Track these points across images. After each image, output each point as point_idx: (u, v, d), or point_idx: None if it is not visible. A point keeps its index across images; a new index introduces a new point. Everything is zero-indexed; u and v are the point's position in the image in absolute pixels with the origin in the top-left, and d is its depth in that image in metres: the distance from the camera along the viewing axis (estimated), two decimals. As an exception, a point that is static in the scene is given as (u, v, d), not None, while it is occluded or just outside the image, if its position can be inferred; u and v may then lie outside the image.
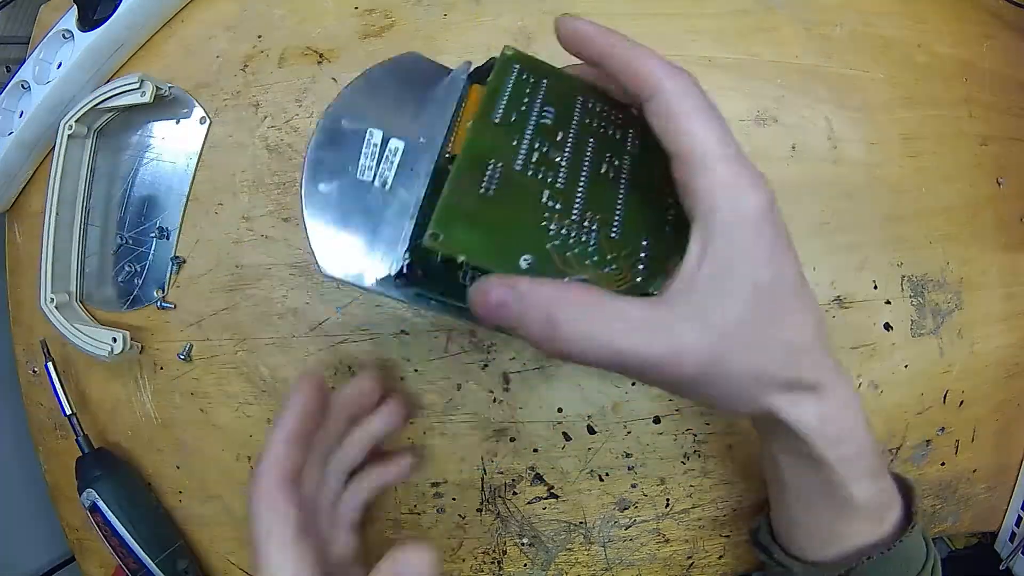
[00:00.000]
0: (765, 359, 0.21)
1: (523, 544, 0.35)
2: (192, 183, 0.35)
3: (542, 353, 0.21)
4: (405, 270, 0.22)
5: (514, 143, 0.21)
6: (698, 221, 0.20)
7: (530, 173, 0.21)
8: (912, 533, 0.25)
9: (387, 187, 0.23)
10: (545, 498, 0.34)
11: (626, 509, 0.35)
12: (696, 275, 0.20)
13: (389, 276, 0.22)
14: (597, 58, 0.21)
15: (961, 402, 0.36)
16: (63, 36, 0.35)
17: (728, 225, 0.19)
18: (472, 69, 0.25)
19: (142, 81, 0.32)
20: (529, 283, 0.19)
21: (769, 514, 0.29)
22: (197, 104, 0.35)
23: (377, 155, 0.23)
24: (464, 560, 0.35)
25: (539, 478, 0.34)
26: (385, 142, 0.23)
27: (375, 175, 0.23)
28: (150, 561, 0.34)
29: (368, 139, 0.23)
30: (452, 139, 0.23)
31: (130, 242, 0.36)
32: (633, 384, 0.34)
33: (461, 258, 0.19)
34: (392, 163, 0.23)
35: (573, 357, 0.20)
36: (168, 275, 0.35)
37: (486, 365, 0.33)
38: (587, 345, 0.19)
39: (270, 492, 0.25)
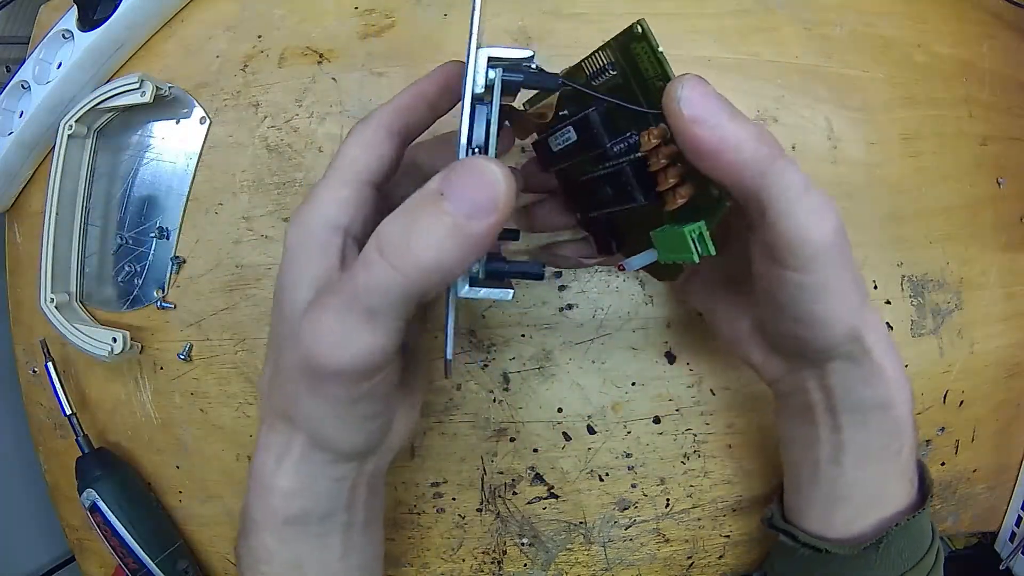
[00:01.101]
0: (852, 268, 0.22)
1: (523, 544, 0.35)
2: (192, 183, 0.35)
3: (688, 149, 0.20)
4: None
5: None
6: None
7: None
8: (928, 508, 0.26)
9: None
10: (545, 498, 0.34)
11: (626, 509, 0.35)
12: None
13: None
14: None
15: (961, 402, 0.36)
16: (63, 36, 0.35)
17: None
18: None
19: (142, 81, 0.32)
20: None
21: (782, 500, 0.29)
22: (197, 104, 0.35)
23: None
24: (464, 560, 0.35)
25: (539, 478, 0.34)
26: None
27: None
28: (150, 561, 0.34)
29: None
30: None
31: (130, 242, 0.36)
32: (633, 384, 0.34)
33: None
34: None
35: (745, 182, 0.20)
36: (168, 275, 0.35)
37: (486, 365, 0.33)
38: (756, 176, 0.20)
39: (371, 129, 0.21)
